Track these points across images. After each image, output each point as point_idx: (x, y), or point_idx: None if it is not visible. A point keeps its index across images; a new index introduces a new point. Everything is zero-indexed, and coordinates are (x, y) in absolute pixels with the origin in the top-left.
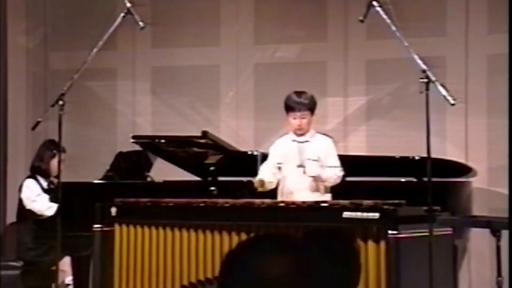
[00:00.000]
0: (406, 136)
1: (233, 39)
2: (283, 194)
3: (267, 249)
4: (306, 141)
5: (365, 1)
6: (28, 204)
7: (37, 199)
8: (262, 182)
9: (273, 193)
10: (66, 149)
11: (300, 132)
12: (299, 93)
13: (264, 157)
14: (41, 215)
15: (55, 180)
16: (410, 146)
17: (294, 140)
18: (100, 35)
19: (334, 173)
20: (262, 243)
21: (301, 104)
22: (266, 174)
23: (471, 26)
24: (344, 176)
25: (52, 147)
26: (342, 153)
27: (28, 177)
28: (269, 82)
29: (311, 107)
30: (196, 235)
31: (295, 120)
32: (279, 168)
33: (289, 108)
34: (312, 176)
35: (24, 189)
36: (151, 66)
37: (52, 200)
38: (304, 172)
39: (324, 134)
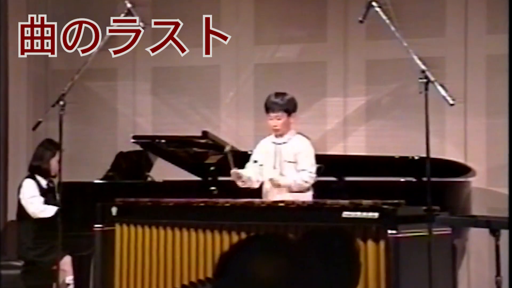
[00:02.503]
0: (406, 136)
1: (233, 39)
2: (263, 194)
3: (265, 249)
4: (284, 143)
5: (365, 1)
6: (25, 205)
7: (32, 200)
8: (238, 174)
9: (258, 192)
10: (66, 149)
11: (276, 133)
12: (277, 94)
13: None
14: (35, 217)
15: (55, 180)
16: (410, 146)
17: (273, 142)
18: (100, 35)
19: (295, 180)
20: (259, 242)
21: (276, 104)
22: (247, 170)
23: (470, 26)
24: (344, 176)
25: (51, 146)
26: (341, 153)
27: (27, 177)
28: (269, 82)
29: (287, 108)
30: (196, 235)
31: (271, 120)
32: (261, 167)
33: (265, 108)
34: (270, 179)
35: (21, 189)
36: (152, 66)
37: (46, 202)
38: (280, 174)
39: (303, 135)
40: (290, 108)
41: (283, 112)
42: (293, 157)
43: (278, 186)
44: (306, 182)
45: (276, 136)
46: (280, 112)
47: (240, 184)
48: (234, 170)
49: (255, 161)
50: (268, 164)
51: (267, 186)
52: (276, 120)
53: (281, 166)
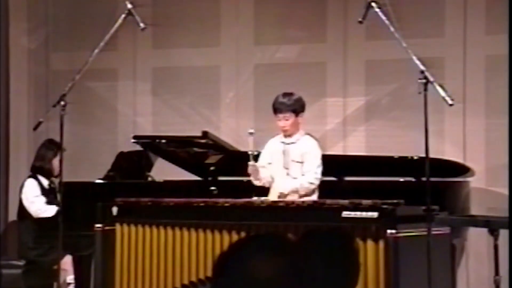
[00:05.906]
0: (405, 136)
1: (233, 40)
2: (272, 195)
3: (266, 249)
4: (292, 143)
5: (364, 2)
6: (27, 205)
7: (35, 200)
8: (255, 167)
9: (265, 192)
10: (67, 149)
11: (285, 133)
12: (285, 95)
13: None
14: (36, 217)
15: (56, 180)
16: (409, 146)
17: (282, 142)
18: (101, 36)
19: (301, 184)
20: (260, 242)
21: (283, 105)
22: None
23: (469, 27)
24: (344, 176)
25: (53, 146)
26: (341, 153)
27: (29, 177)
28: (269, 82)
29: (294, 108)
30: (196, 235)
31: (280, 121)
32: (269, 165)
33: (273, 109)
34: (279, 195)
35: (24, 189)
36: (152, 66)
37: (49, 202)
38: (288, 174)
39: (312, 136)
40: (297, 108)
41: (290, 112)
42: (300, 157)
43: (285, 197)
44: (311, 183)
45: (285, 136)
46: (288, 112)
47: (255, 180)
48: (252, 163)
49: (269, 163)
50: (277, 164)
51: (277, 188)
52: (284, 121)
53: (289, 166)
